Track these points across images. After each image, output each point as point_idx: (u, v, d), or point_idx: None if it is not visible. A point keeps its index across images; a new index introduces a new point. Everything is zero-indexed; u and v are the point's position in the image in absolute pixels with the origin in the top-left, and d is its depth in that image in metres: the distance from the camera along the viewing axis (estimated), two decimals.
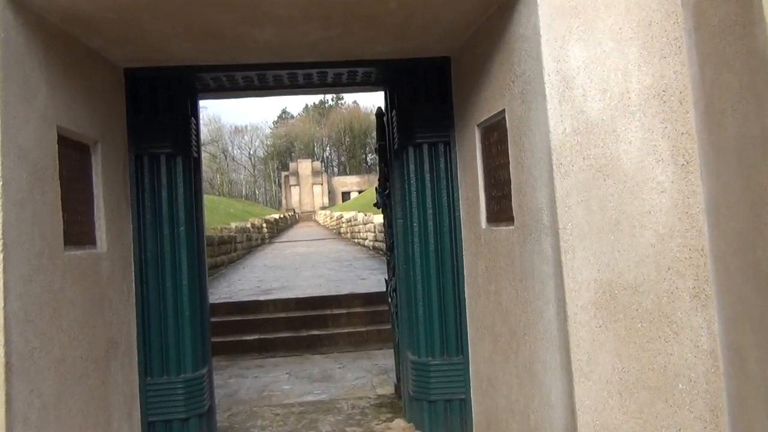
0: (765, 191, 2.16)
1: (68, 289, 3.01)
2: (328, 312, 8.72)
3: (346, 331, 8.19)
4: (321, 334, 8.11)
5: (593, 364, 2.57)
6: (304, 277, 12.16)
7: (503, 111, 3.20)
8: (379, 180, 5.11)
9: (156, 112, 4.02)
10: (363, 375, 6.26)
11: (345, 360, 7.08)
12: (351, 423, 4.70)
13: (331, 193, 63.08)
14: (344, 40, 3.68)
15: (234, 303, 9.10)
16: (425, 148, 4.22)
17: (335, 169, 74.33)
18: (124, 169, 3.91)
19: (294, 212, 53.43)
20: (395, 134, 4.42)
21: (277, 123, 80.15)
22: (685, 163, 2.65)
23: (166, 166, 4.04)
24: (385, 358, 6.81)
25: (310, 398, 5.48)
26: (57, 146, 2.97)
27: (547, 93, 2.64)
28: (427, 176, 4.22)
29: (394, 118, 4.42)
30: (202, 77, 4.19)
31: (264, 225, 28.50)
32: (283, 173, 66.02)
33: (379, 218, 16.03)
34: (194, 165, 4.27)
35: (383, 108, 4.85)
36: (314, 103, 78.58)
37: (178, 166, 4.07)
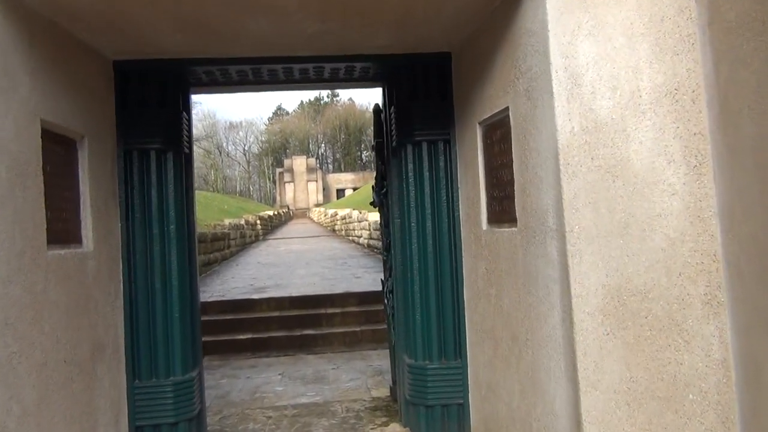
0: None
1: (51, 290, 2.88)
2: (323, 311, 8.63)
3: (340, 330, 8.10)
4: (315, 334, 8.01)
5: (601, 373, 2.47)
6: (299, 275, 12.06)
7: (507, 108, 3.09)
8: (375, 178, 5.00)
9: (146, 107, 3.89)
10: (357, 376, 6.15)
11: (339, 360, 6.98)
12: (345, 427, 4.58)
13: (325, 190, 62.93)
14: (342, 33, 3.56)
15: (227, 301, 9.00)
16: (424, 146, 4.10)
17: (330, 166, 74.18)
18: (113, 165, 3.78)
19: (288, 209, 53.19)
20: (393, 131, 4.30)
21: (272, 119, 79.97)
22: (698, 164, 2.55)
23: (157, 162, 3.90)
24: (380, 359, 6.71)
25: (303, 400, 5.37)
26: (41, 140, 2.85)
27: (554, 90, 2.54)
28: (426, 175, 4.10)
29: (393, 115, 4.30)
30: (195, 71, 4.06)
31: (258, 222, 28.36)
32: (278, 170, 65.79)
33: (374, 216, 15.94)
34: (186, 161, 4.13)
35: (381, 105, 4.73)
36: (309, 100, 78.66)
37: (168, 162, 3.93)
